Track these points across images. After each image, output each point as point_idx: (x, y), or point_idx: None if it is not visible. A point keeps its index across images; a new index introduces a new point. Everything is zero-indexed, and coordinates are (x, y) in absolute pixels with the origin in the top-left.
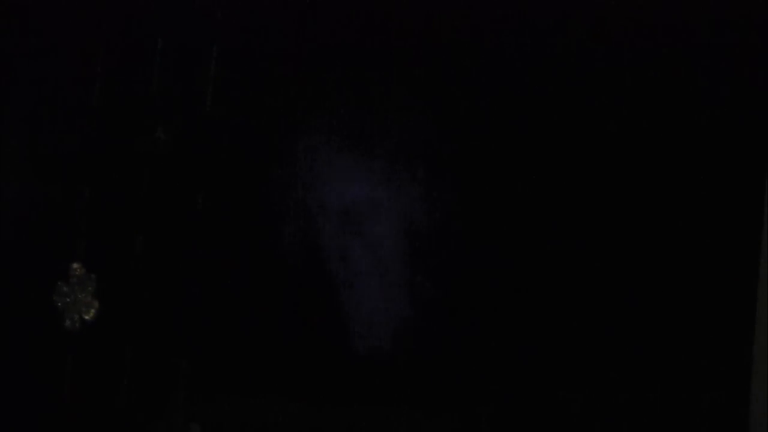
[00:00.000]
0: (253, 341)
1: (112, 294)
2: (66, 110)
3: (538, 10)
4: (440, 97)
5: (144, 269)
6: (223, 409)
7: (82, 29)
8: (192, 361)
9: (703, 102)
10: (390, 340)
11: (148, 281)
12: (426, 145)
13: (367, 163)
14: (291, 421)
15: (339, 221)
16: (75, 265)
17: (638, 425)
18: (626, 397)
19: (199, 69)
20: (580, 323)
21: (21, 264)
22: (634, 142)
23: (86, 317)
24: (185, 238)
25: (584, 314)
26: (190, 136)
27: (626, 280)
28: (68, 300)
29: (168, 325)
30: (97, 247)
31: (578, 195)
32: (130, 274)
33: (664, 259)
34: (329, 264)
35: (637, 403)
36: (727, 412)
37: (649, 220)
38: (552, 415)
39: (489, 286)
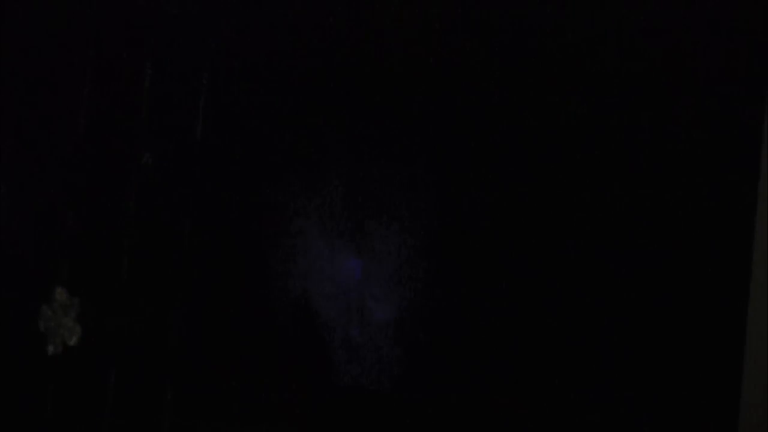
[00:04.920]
0: (238, 369)
1: (95, 319)
2: (51, 134)
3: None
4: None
5: (129, 294)
6: None
7: (68, 52)
8: (176, 388)
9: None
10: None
11: (133, 307)
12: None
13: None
14: None
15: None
16: (58, 290)
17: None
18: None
19: (190, 96)
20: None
21: (4, 287)
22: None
23: (69, 342)
24: (171, 264)
25: None
26: (179, 162)
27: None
28: (51, 324)
29: (153, 351)
30: (81, 272)
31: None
32: (114, 299)
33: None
34: (313, 305)
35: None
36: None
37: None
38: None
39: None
